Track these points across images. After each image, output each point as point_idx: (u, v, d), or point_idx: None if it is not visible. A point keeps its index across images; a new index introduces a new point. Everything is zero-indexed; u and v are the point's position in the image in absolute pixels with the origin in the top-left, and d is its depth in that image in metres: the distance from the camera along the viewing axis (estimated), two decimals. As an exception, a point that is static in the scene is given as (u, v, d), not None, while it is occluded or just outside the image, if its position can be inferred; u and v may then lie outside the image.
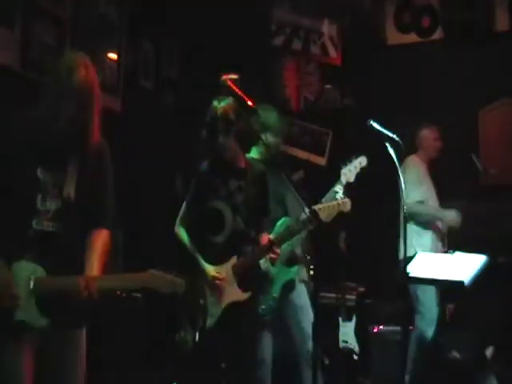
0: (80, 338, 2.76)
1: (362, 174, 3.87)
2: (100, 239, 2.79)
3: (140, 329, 4.55)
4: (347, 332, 5.41)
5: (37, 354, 2.63)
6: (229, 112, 3.55)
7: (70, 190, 2.69)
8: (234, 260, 3.62)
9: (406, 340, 4.70)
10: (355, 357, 5.34)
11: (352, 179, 3.81)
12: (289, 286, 4.12)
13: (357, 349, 5.37)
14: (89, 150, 2.72)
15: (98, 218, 2.81)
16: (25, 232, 2.63)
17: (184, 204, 3.74)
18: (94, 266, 2.71)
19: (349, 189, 3.84)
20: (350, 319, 5.46)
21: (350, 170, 3.81)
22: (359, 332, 5.44)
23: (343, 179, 3.80)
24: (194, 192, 3.70)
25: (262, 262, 3.72)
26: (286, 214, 4.09)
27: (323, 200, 3.76)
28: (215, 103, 3.58)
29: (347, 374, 5.26)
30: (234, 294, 3.60)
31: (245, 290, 3.61)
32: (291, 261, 4.13)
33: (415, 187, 5.09)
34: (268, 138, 4.15)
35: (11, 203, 2.63)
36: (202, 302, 3.57)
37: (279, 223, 3.94)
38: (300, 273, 4.34)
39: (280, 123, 4.30)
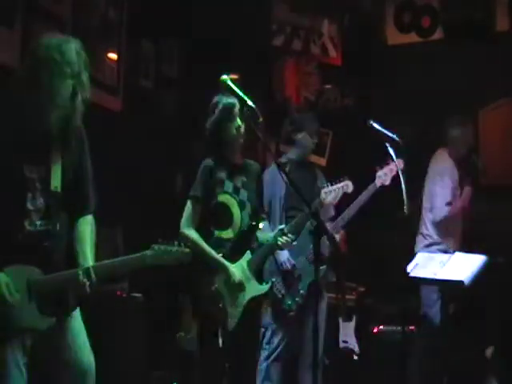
0: (77, 318, 2.70)
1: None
2: (88, 227, 2.72)
3: (140, 328, 4.55)
4: (347, 332, 5.40)
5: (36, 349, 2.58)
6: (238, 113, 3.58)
7: (57, 183, 2.59)
8: (248, 256, 3.62)
9: (406, 340, 4.69)
10: (355, 357, 5.34)
11: (328, 201, 3.76)
12: (316, 285, 4.14)
13: (357, 349, 5.36)
14: (72, 137, 2.62)
15: (83, 206, 2.74)
16: (17, 235, 2.53)
17: (188, 203, 3.64)
18: (89, 255, 2.65)
19: None
20: (350, 319, 5.46)
21: (330, 192, 3.76)
22: (359, 332, 5.44)
23: (322, 197, 3.75)
24: (201, 187, 3.62)
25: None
26: None
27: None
28: (226, 101, 3.59)
29: (347, 373, 5.25)
30: (253, 289, 3.60)
31: (262, 282, 3.67)
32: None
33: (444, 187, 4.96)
34: (304, 138, 4.46)
35: (1, 207, 2.52)
36: (220, 305, 3.49)
37: None
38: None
39: (316, 124, 4.59)
